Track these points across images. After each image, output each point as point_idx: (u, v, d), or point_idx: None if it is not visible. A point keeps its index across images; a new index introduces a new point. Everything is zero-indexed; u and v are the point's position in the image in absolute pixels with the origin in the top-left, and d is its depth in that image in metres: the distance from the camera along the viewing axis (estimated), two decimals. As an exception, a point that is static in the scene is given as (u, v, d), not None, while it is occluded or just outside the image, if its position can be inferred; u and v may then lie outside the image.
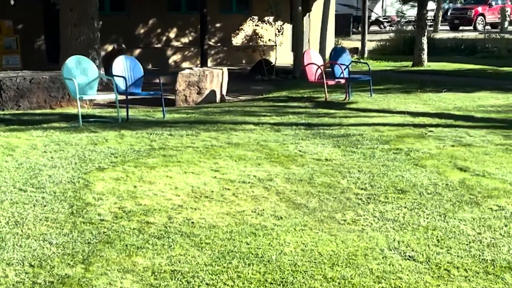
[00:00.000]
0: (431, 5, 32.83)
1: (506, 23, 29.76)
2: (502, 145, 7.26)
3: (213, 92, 11.42)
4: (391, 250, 4.19)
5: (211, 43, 17.88)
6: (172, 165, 6.33)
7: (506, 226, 4.65)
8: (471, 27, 33.13)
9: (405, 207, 5.07)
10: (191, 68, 12.16)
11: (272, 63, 16.04)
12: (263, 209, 5.00)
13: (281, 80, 14.83)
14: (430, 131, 8.15)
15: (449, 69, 17.12)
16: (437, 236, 4.43)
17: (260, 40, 16.64)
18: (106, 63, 12.09)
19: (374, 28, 35.64)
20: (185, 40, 18.06)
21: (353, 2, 32.61)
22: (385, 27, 35.27)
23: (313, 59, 11.57)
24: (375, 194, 5.41)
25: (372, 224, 4.69)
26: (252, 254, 4.11)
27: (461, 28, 33.41)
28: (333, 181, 5.80)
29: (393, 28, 29.17)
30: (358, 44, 22.11)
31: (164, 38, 17.75)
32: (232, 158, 6.64)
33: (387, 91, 12.40)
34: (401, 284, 3.71)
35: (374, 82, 12.10)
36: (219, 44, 18.55)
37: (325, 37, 15.72)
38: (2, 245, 4.20)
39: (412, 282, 3.73)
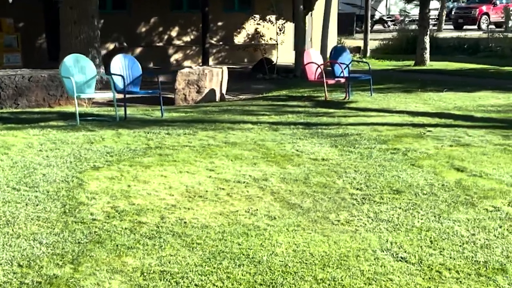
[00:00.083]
0: (435, 4, 32.77)
1: (510, 22, 29.61)
2: (501, 145, 7.21)
3: (212, 91, 11.38)
4: (383, 251, 4.15)
5: (213, 41, 17.85)
6: (168, 164, 6.30)
7: (500, 227, 4.61)
8: (476, 26, 33.02)
9: (399, 208, 5.03)
10: (190, 67, 12.14)
11: (273, 62, 16.02)
12: (257, 209, 4.97)
13: (282, 79, 14.80)
14: (429, 131, 8.10)
15: (451, 68, 17.05)
16: (431, 237, 4.39)
17: (262, 38, 16.60)
18: (108, 62, 12.07)
19: (378, 27, 35.58)
20: (186, 38, 18.03)
21: (357, 1, 32.47)
22: (388, 26, 35.17)
23: (313, 58, 11.53)
24: (370, 195, 5.37)
25: (365, 224, 4.66)
26: (243, 254, 4.08)
27: (465, 27, 33.30)
28: (329, 181, 5.76)
29: (397, 27, 29.05)
30: (361, 43, 22.03)
31: (166, 36, 17.72)
32: (228, 157, 6.61)
33: (387, 90, 12.35)
34: (391, 285, 3.68)
35: (375, 81, 12.06)
36: (221, 43, 18.52)
37: (326, 35, 15.69)
38: (-8, 244, 4.18)
39: (403, 283, 3.70)
